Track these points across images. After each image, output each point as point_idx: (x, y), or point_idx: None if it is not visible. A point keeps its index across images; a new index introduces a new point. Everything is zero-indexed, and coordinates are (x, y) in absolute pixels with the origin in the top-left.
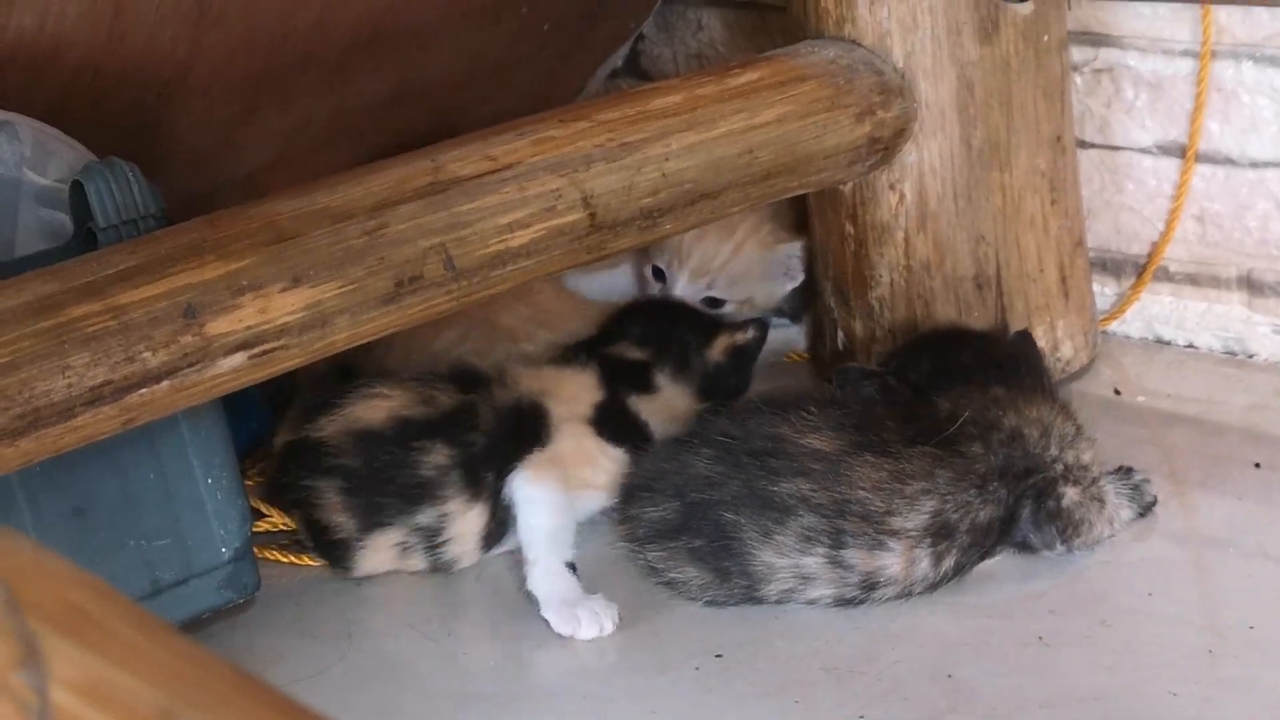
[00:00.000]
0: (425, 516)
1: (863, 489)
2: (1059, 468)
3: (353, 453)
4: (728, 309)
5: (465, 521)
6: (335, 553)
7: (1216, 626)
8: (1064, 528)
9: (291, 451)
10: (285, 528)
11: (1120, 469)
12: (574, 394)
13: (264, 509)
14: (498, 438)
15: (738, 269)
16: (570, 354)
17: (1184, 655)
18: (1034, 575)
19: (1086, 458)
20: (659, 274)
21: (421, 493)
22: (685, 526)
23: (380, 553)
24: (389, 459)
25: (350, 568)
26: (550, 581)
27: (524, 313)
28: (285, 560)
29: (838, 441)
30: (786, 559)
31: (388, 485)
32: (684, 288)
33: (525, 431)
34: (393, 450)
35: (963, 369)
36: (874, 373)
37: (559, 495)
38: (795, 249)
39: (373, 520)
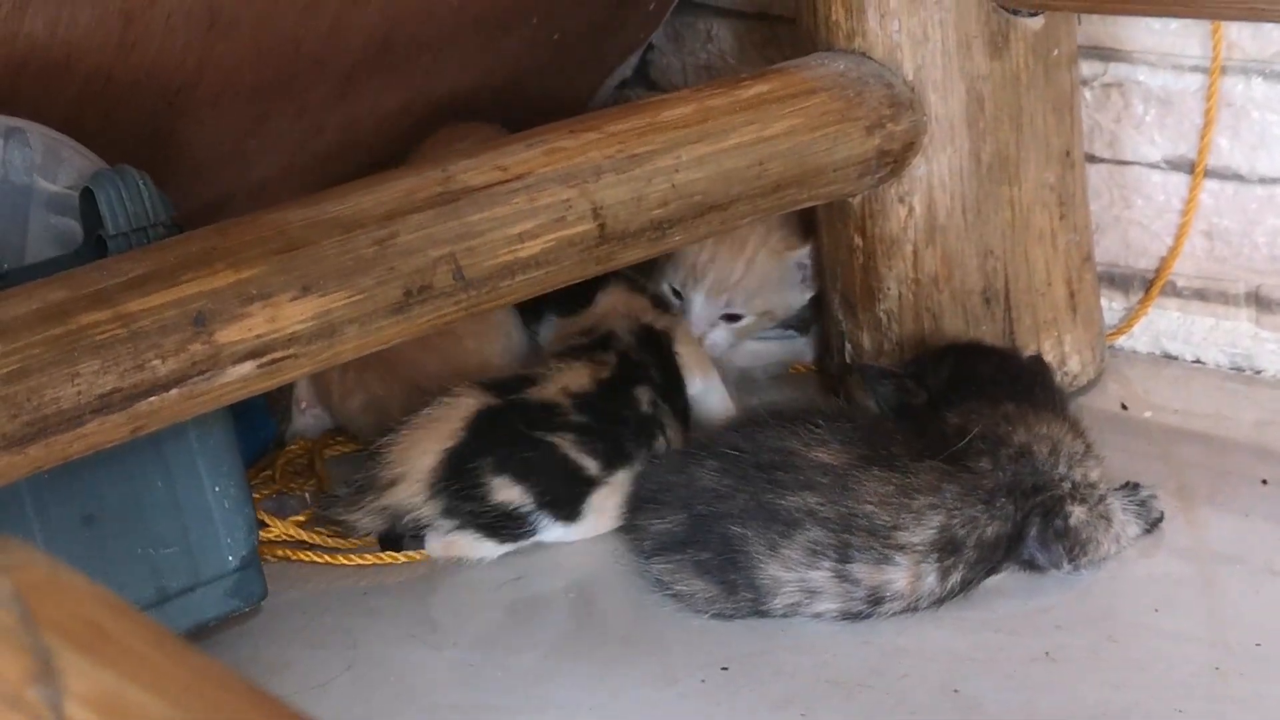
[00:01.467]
0: (659, 444)
1: (870, 503)
2: (1066, 486)
3: (578, 410)
4: (746, 322)
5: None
6: (573, 497)
7: (1224, 643)
8: (1071, 546)
9: (495, 415)
10: (289, 538)
11: (1127, 484)
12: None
13: (267, 519)
14: (663, 370)
15: (753, 281)
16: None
17: (1191, 672)
18: (1041, 590)
19: (1094, 475)
20: (675, 294)
21: (651, 426)
22: (692, 539)
23: (620, 492)
24: (616, 406)
25: (582, 514)
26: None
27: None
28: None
29: (845, 455)
30: (793, 573)
31: (624, 428)
32: (701, 306)
33: (664, 352)
34: (615, 400)
35: (979, 381)
36: (893, 373)
37: (716, 377)
38: (804, 255)
39: (617, 459)
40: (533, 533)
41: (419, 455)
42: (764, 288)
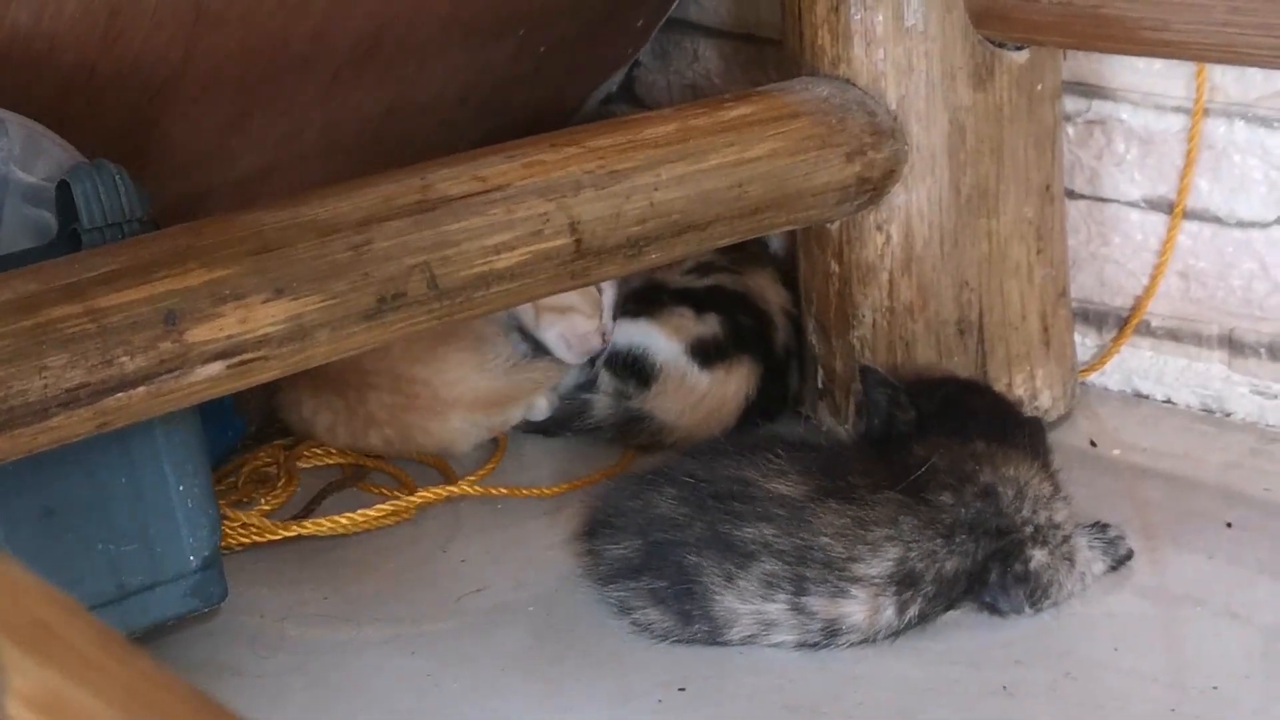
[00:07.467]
0: None
1: (825, 535)
2: (1029, 530)
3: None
4: None
5: None
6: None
7: (1181, 685)
8: (1032, 590)
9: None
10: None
11: (1096, 524)
12: None
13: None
14: None
15: None
16: None
17: (1147, 713)
18: (1001, 624)
19: (1060, 516)
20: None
21: None
22: (647, 566)
23: None
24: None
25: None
26: None
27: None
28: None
29: (803, 486)
30: (749, 605)
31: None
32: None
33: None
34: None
35: (959, 417)
36: (892, 384)
37: None
38: None
39: None
40: None
41: (729, 405)
42: None
